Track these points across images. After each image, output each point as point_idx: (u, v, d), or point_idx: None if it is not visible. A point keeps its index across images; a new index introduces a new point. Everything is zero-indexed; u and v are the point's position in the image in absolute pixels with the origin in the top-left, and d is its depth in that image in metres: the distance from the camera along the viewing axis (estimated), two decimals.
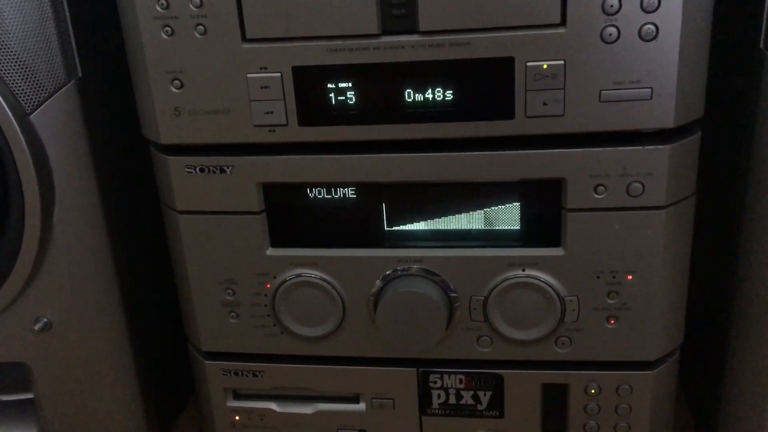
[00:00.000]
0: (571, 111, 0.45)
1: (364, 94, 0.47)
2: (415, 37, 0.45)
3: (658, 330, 0.51)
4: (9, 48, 0.50)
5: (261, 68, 0.47)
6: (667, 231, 0.48)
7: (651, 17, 0.43)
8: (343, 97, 0.47)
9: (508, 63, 0.44)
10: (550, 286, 0.50)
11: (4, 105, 0.50)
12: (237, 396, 0.59)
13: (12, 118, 0.50)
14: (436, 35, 0.45)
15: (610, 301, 0.50)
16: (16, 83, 0.50)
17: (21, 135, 0.50)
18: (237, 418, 0.59)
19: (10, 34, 0.50)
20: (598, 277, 0.49)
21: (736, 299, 0.53)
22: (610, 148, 0.46)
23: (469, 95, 0.46)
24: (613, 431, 0.54)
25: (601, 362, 0.52)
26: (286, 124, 0.48)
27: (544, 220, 0.50)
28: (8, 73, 0.50)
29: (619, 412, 0.53)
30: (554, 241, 0.50)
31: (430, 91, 0.46)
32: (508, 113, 0.46)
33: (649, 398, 0.53)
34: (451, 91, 0.46)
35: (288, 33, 0.46)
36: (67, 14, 0.52)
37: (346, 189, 0.51)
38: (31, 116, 0.51)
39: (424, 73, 0.46)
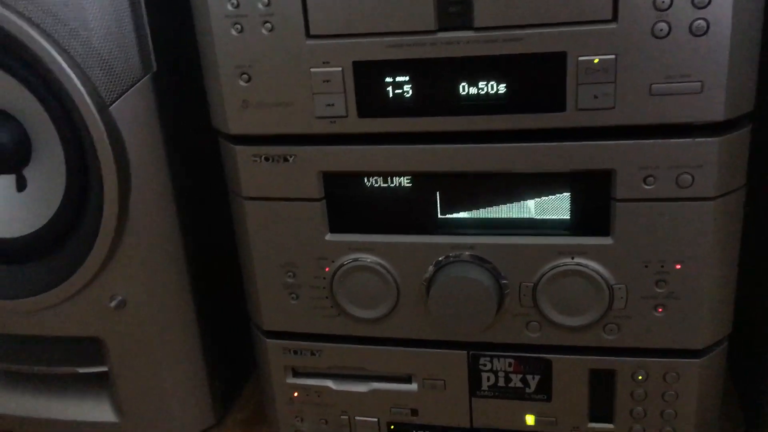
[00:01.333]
0: (621, 104, 0.46)
1: (420, 88, 0.49)
2: (470, 33, 0.47)
3: (705, 319, 0.52)
4: (91, 44, 0.54)
5: (323, 63, 0.49)
6: (716, 222, 0.49)
7: (702, 13, 0.44)
8: (401, 91, 0.49)
9: (560, 58, 0.46)
10: (599, 274, 0.51)
11: (87, 97, 0.54)
12: (296, 373, 0.62)
13: (94, 109, 0.54)
14: (490, 31, 0.46)
15: (658, 290, 0.51)
16: (98, 77, 0.54)
17: (102, 125, 0.54)
18: (296, 394, 0.62)
19: (92, 31, 0.54)
20: (646, 266, 0.51)
21: None
22: (659, 141, 0.47)
23: (522, 89, 0.48)
24: (660, 418, 0.55)
25: (649, 349, 0.53)
26: (346, 116, 0.50)
27: (594, 210, 0.51)
28: (91, 68, 0.54)
29: (666, 399, 0.54)
30: (603, 230, 0.51)
31: (483, 84, 0.48)
32: (560, 106, 0.47)
33: (696, 386, 0.54)
34: (504, 85, 0.48)
35: (349, 29, 0.48)
36: (144, 12, 0.55)
37: (401, 178, 0.53)
38: (111, 108, 0.55)
39: (478, 68, 0.48)
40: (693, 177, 0.48)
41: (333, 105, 0.50)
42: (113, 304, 0.61)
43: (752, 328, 0.61)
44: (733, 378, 0.68)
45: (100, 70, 0.55)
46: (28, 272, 0.63)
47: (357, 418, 0.62)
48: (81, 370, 0.67)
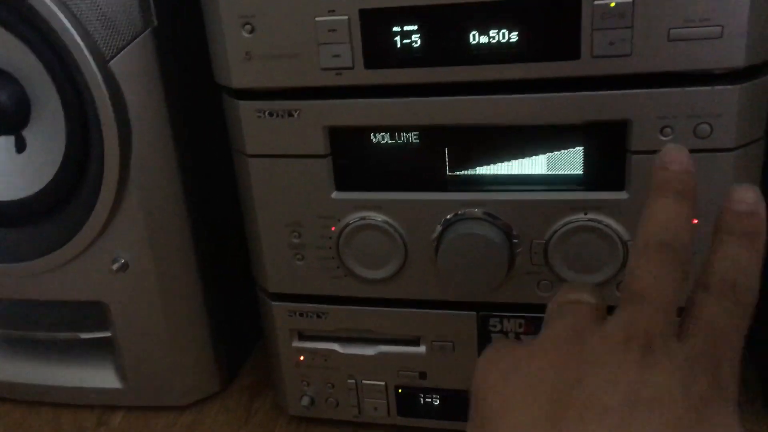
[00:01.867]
0: (638, 50, 0.45)
1: (429, 37, 0.47)
2: None
3: None
4: None
5: (329, 11, 0.48)
6: (735, 174, 0.47)
7: None
8: (408, 40, 0.48)
9: (574, 1, 0.44)
10: (613, 230, 0.50)
11: (87, 52, 0.52)
12: (302, 337, 0.61)
13: (93, 65, 0.53)
14: None
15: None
16: (97, 31, 0.53)
17: (101, 81, 0.53)
18: (302, 358, 0.61)
19: None
20: None
21: None
22: (677, 89, 0.46)
23: (535, 36, 0.46)
24: None
25: None
26: (353, 68, 0.49)
27: (609, 164, 0.50)
28: (89, 21, 0.53)
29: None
30: (618, 184, 0.50)
31: (494, 32, 0.47)
32: (574, 53, 0.46)
33: None
34: (516, 32, 0.46)
35: None
36: None
37: (409, 133, 0.52)
38: (110, 63, 0.54)
39: (489, 14, 0.46)
40: (712, 127, 0.46)
41: (339, 56, 0.49)
42: (115, 267, 0.60)
43: None
44: (750, 347, 0.66)
45: (99, 24, 0.53)
46: (29, 235, 0.62)
47: (364, 381, 0.61)
48: (83, 336, 0.67)
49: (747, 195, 0.36)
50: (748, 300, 0.34)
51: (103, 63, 0.53)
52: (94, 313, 0.66)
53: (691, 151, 0.46)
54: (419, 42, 0.48)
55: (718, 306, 0.33)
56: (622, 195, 0.49)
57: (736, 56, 0.44)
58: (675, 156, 0.37)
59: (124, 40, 0.54)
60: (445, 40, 0.47)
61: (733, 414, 0.32)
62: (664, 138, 0.47)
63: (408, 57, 0.48)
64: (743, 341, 0.33)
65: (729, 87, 0.45)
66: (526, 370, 0.33)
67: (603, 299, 0.38)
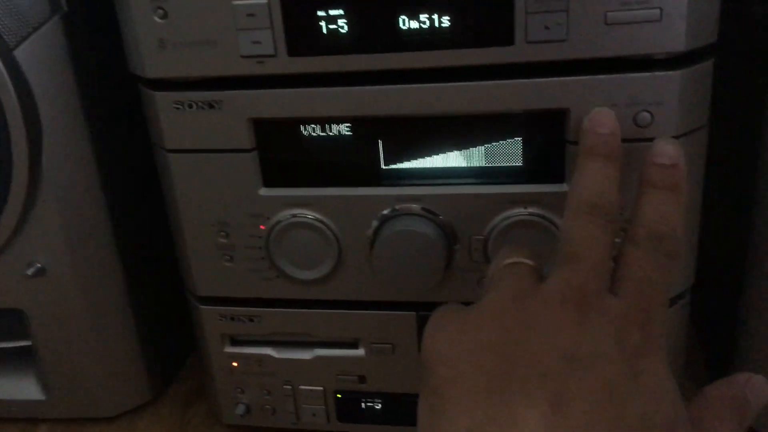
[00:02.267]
0: (575, 35, 0.42)
1: (356, 21, 0.44)
2: None
3: None
4: None
5: None
6: None
7: None
8: (335, 25, 0.45)
9: None
10: (554, 224, 0.48)
11: None
12: (234, 342, 0.58)
13: None
14: None
15: (617, 240, 0.48)
16: None
17: (4, 70, 0.49)
18: (235, 364, 0.58)
19: None
20: None
21: (752, 239, 0.51)
22: (616, 75, 0.43)
23: (466, 20, 0.43)
24: None
25: None
26: (275, 55, 0.46)
27: (548, 155, 0.47)
28: None
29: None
30: (558, 176, 0.47)
31: (425, 17, 0.44)
32: (508, 39, 0.43)
33: None
34: (447, 17, 0.44)
35: None
36: None
37: (340, 125, 0.49)
38: (15, 51, 0.50)
39: None
40: (652, 115, 0.44)
41: (260, 42, 0.45)
42: (31, 272, 0.56)
43: (716, 274, 0.58)
44: (696, 326, 0.65)
45: (2, 9, 0.49)
46: None
47: (301, 387, 0.58)
48: (1, 345, 0.62)
49: (668, 148, 0.39)
50: (673, 250, 0.36)
51: (6, 51, 0.49)
52: (12, 321, 0.61)
53: (632, 140, 0.45)
54: (346, 27, 0.45)
55: (646, 259, 0.35)
56: (562, 188, 0.47)
57: (677, 40, 0.42)
58: (602, 119, 0.40)
59: (30, 27, 0.50)
60: (373, 26, 0.44)
61: (664, 361, 0.34)
62: None
63: (334, 44, 0.45)
64: (670, 291, 0.37)
65: (670, 73, 0.43)
66: (471, 336, 0.35)
67: (541, 259, 0.40)
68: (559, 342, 0.33)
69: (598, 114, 0.40)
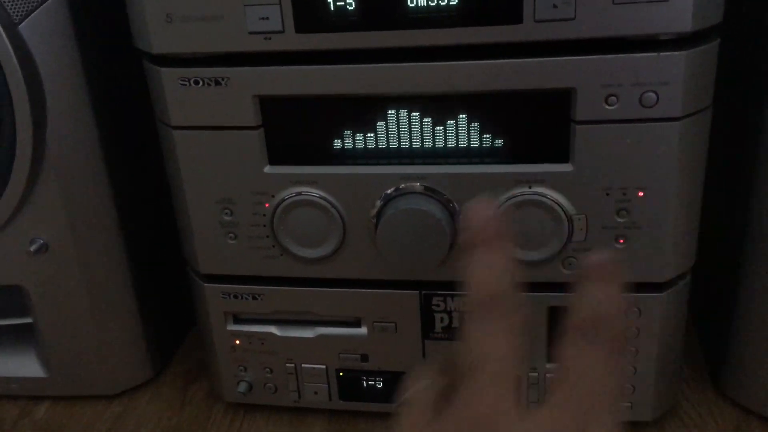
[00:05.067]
0: (582, 14, 0.43)
1: None
2: None
3: (669, 250, 0.49)
4: None
5: None
6: (682, 144, 0.46)
7: None
8: (342, 2, 0.45)
9: None
10: (558, 204, 0.48)
11: None
12: (237, 320, 0.58)
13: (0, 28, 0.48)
14: None
15: (619, 219, 0.48)
16: None
17: (9, 45, 0.49)
18: (237, 342, 0.58)
19: None
20: (607, 194, 0.47)
21: (752, 222, 0.51)
22: (623, 55, 0.44)
23: None
24: None
25: None
26: (283, 31, 0.46)
27: (553, 135, 0.47)
28: None
29: (628, 336, 0.52)
30: (563, 156, 0.48)
31: None
32: (516, 17, 0.43)
33: (659, 321, 0.51)
34: None
35: None
36: None
37: (347, 102, 0.49)
38: (20, 26, 0.49)
39: None
40: (658, 95, 0.44)
41: (267, 18, 0.45)
42: (33, 248, 0.56)
43: (715, 258, 0.59)
44: (691, 310, 0.66)
45: None
46: None
47: (304, 365, 0.58)
48: (2, 322, 0.62)
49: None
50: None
51: (10, 26, 0.49)
52: (14, 298, 0.61)
53: (637, 121, 0.45)
54: (354, 4, 0.45)
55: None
56: (567, 167, 0.47)
57: (683, 21, 0.42)
58: (473, 212, 0.34)
59: (35, 2, 0.50)
60: (381, 2, 0.44)
61: None
62: (609, 107, 0.45)
63: (342, 21, 0.45)
64: (614, 382, 0.31)
65: (675, 53, 0.43)
66: None
67: (448, 371, 0.34)
68: None
69: (468, 208, 0.34)
